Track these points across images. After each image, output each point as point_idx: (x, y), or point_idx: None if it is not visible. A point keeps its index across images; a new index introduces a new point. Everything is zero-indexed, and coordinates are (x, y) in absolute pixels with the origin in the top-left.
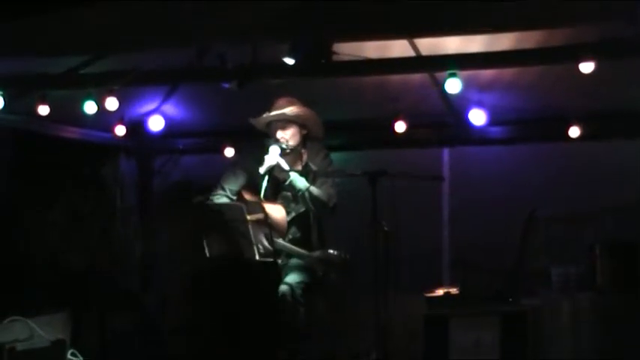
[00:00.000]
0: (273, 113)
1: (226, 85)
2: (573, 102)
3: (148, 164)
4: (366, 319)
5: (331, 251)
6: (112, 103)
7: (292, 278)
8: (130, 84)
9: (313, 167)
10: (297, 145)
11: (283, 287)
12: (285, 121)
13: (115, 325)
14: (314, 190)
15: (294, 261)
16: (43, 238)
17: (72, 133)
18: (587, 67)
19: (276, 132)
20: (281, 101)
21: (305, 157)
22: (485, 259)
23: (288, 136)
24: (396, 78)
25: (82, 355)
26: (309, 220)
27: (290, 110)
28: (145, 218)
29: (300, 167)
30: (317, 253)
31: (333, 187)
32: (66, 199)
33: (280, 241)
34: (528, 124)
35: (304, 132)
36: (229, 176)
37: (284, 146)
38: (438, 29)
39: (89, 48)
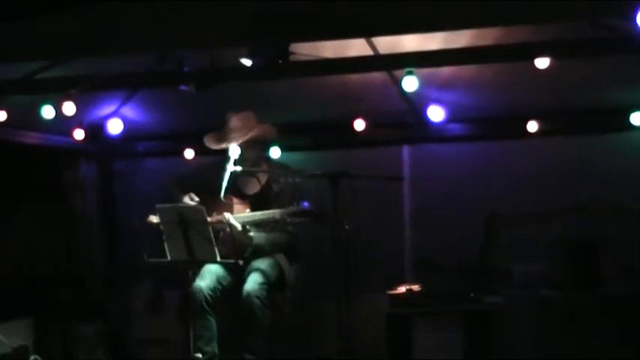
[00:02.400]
0: (228, 145)
1: (185, 88)
2: (533, 99)
3: (108, 168)
4: (330, 319)
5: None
6: (69, 108)
7: (256, 279)
8: (89, 89)
9: (275, 189)
10: (255, 159)
11: (248, 287)
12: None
13: (79, 333)
14: (275, 238)
15: (256, 262)
16: (3, 244)
17: (31, 138)
18: (542, 63)
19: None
20: (234, 120)
21: (265, 177)
22: (448, 257)
23: (245, 157)
24: (355, 78)
25: None
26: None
27: (245, 136)
28: (106, 224)
29: (258, 188)
30: (288, 209)
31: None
32: (27, 205)
33: (246, 212)
34: (488, 122)
35: (260, 144)
36: (190, 177)
37: (241, 165)
38: (397, 28)
39: (48, 55)
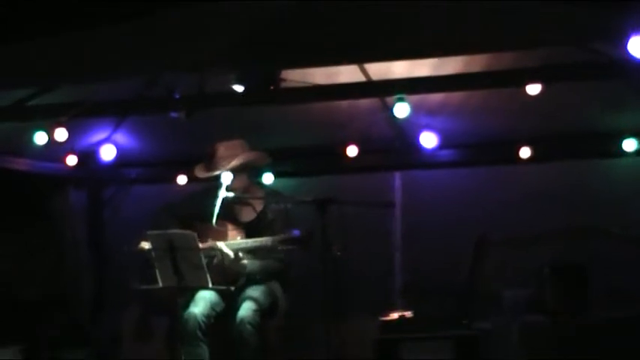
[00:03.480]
0: (215, 174)
1: (175, 115)
2: (522, 124)
3: (98, 195)
4: (318, 344)
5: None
6: (61, 134)
7: (250, 306)
8: (79, 116)
9: (270, 216)
10: (244, 186)
11: (242, 313)
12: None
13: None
14: (267, 265)
15: (250, 290)
16: None
17: (20, 164)
18: (533, 89)
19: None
20: (221, 149)
21: (260, 204)
22: (438, 282)
23: (234, 185)
24: (345, 103)
25: None
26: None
27: (231, 164)
28: (95, 250)
29: (254, 215)
30: (280, 236)
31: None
32: (16, 231)
33: (237, 239)
34: (478, 147)
35: (249, 171)
36: (181, 204)
37: (231, 195)
38: (387, 54)
39: (38, 81)
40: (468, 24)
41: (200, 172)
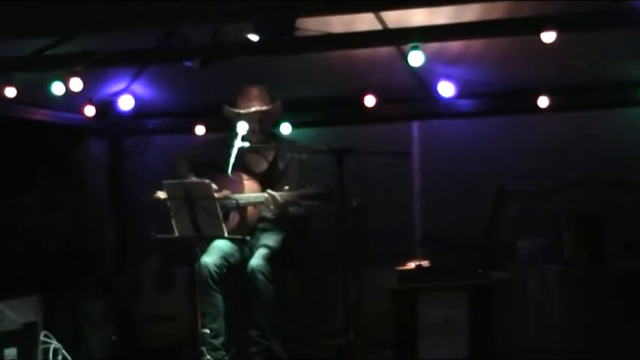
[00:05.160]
0: (243, 111)
1: (189, 64)
2: (542, 74)
3: (118, 145)
4: (337, 295)
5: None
6: (76, 84)
7: (262, 254)
8: (96, 65)
9: (281, 165)
10: (263, 135)
11: (253, 262)
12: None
13: (88, 310)
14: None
15: (264, 238)
16: (14, 222)
17: (41, 115)
18: (548, 37)
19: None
20: (254, 90)
21: (272, 154)
22: (456, 232)
23: (250, 135)
24: (363, 53)
25: (55, 338)
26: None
27: (269, 105)
28: (116, 201)
29: (266, 165)
30: (301, 191)
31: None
32: (37, 182)
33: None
34: (497, 97)
35: (266, 120)
36: (196, 154)
37: (249, 141)
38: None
39: (55, 31)
40: None
41: (229, 110)
